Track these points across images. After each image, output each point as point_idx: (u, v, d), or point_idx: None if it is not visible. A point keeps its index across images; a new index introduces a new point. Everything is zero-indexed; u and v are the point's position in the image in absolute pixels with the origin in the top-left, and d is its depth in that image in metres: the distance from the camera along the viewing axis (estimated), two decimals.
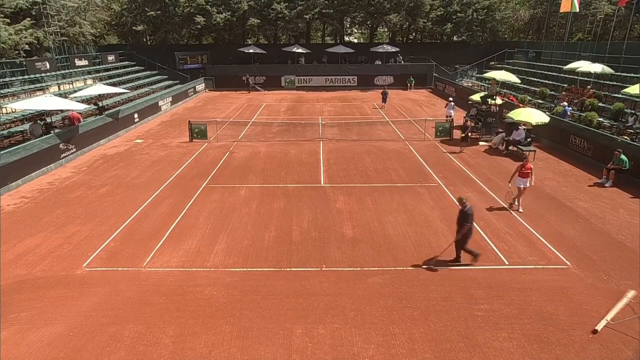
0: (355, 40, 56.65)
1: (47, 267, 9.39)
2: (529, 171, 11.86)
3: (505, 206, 12.39)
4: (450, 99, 25.20)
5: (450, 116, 22.46)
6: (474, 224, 9.45)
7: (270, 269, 9.27)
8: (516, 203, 12.25)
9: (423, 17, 39.21)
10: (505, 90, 27.29)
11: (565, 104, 21.19)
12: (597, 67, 21.13)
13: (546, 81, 27.17)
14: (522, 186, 11.98)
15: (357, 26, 46.91)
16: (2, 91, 21.63)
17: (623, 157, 13.89)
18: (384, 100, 28.78)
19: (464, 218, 8.92)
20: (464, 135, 18.27)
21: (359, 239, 10.51)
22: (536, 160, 16.81)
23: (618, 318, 6.94)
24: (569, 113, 20.09)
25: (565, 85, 24.60)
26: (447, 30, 40.26)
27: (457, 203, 9.26)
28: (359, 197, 13.19)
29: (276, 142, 20.18)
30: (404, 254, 9.80)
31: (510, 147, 17.83)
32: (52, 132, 17.39)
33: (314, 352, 6.85)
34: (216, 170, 15.95)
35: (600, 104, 20.37)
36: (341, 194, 13.53)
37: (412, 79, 36.85)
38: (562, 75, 25.73)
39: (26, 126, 19.51)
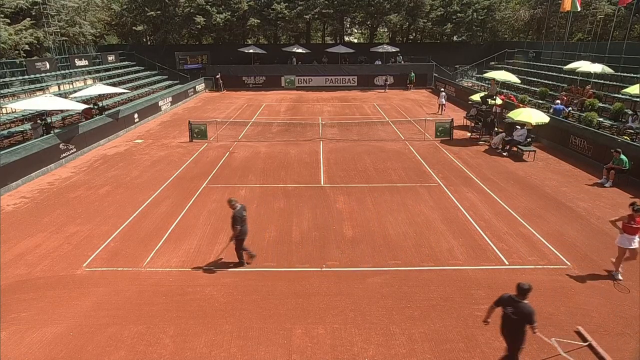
0: (355, 40, 56.65)
1: (47, 267, 9.39)
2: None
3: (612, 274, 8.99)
4: (442, 89, 29.42)
5: (443, 104, 26.64)
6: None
7: (270, 269, 9.28)
8: (618, 268, 8.77)
9: (423, 17, 39.21)
10: (505, 90, 27.29)
11: (559, 102, 21.40)
12: (597, 67, 21.13)
13: (546, 81, 27.16)
14: (627, 246, 8.43)
15: (357, 26, 46.91)
16: (2, 91, 21.62)
17: (623, 157, 13.89)
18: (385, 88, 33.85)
19: (234, 220, 8.84)
20: (474, 124, 19.68)
21: (359, 239, 10.51)
22: (536, 160, 16.83)
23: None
24: (562, 111, 20.25)
25: (565, 85, 24.59)
26: (447, 30, 40.26)
27: (228, 205, 9.05)
28: (359, 197, 13.19)
29: (276, 142, 20.18)
30: (404, 254, 9.80)
31: (510, 148, 17.82)
32: (52, 132, 17.39)
33: (314, 352, 6.85)
34: (216, 171, 15.95)
35: (600, 104, 20.37)
36: (341, 194, 13.53)
37: (413, 74, 36.57)
38: (562, 75, 25.73)
39: (26, 126, 19.53)
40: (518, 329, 5.91)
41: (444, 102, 26.87)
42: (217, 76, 36.30)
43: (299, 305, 8.02)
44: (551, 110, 20.77)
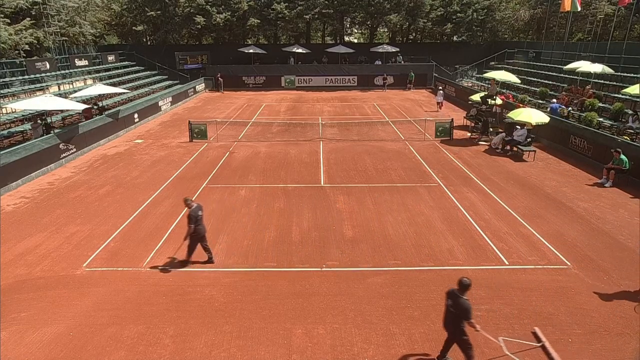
0: (355, 40, 56.65)
1: (47, 267, 9.39)
2: None
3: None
4: (440, 88, 30.15)
5: (440, 102, 27.84)
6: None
7: (270, 269, 9.27)
8: None
9: (423, 17, 39.20)
10: (504, 90, 27.29)
11: (555, 100, 21.64)
12: (597, 67, 21.13)
13: (546, 81, 27.15)
14: None
15: (357, 26, 46.91)
16: (2, 91, 21.62)
17: (623, 157, 13.89)
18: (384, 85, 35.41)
19: (189, 219, 8.91)
20: (474, 124, 19.91)
21: (359, 239, 10.51)
22: (536, 160, 16.83)
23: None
24: (558, 110, 20.44)
25: (565, 85, 24.59)
26: (447, 30, 40.26)
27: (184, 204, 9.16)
28: (359, 197, 13.19)
29: (276, 142, 20.18)
30: (404, 254, 9.80)
31: (509, 147, 17.83)
32: (52, 132, 17.39)
33: (314, 352, 6.85)
34: (216, 171, 15.95)
35: (600, 104, 20.37)
36: (341, 194, 13.53)
37: (412, 74, 36.57)
38: (562, 75, 25.72)
39: (26, 126, 19.53)
40: (455, 323, 6.12)
41: (441, 100, 27.94)
42: (218, 75, 36.30)
43: (299, 305, 8.02)
44: (548, 109, 20.96)
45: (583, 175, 15.20)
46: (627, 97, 18.78)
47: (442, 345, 6.55)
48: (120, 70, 34.42)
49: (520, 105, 21.35)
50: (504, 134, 18.53)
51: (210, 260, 9.48)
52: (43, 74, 25.66)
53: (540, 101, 24.03)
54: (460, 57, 40.41)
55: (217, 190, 13.97)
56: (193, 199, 13.06)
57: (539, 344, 6.90)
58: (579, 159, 16.73)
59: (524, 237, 10.56)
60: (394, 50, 38.32)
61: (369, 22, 41.53)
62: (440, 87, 30.73)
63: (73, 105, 18.69)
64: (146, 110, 25.22)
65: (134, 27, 38.09)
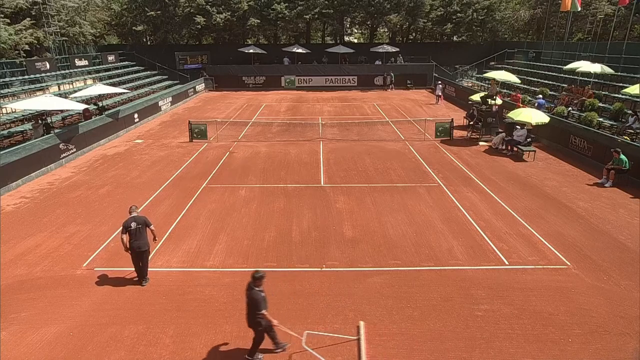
0: (355, 41, 56.66)
1: (47, 267, 9.39)
2: None
3: None
4: (439, 82, 31.67)
5: (439, 95, 30.09)
6: None
7: (270, 269, 9.27)
8: None
9: (423, 17, 39.19)
10: (505, 91, 27.30)
11: (540, 96, 22.78)
12: (596, 67, 21.14)
13: (546, 81, 27.14)
14: None
15: (357, 26, 46.92)
16: (2, 91, 21.61)
17: (623, 157, 13.89)
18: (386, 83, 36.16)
19: (121, 229, 8.25)
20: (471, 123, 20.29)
21: (358, 239, 10.51)
22: (536, 160, 16.83)
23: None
24: (544, 106, 21.41)
25: (565, 85, 24.58)
26: (447, 31, 40.24)
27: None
28: (359, 197, 13.19)
29: (276, 142, 20.17)
30: (404, 254, 9.80)
31: (510, 148, 17.83)
32: (52, 132, 17.38)
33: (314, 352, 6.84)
34: (216, 171, 15.95)
35: (600, 104, 20.37)
36: (341, 194, 13.53)
37: (392, 74, 36.81)
38: (562, 75, 25.70)
39: (26, 126, 19.52)
40: (250, 314, 6.41)
41: (440, 94, 30.22)
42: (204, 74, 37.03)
43: (299, 305, 8.03)
44: (535, 105, 21.62)
45: (583, 175, 15.20)
46: (627, 97, 18.78)
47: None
48: (120, 70, 34.41)
49: (520, 105, 21.36)
50: (504, 134, 18.53)
51: (138, 282, 8.66)
52: (43, 74, 25.66)
53: (550, 103, 24.00)
54: (460, 57, 40.39)
55: (217, 190, 13.97)
56: (193, 199, 13.11)
57: (354, 338, 6.90)
58: (579, 159, 16.73)
59: (524, 237, 10.55)
60: (394, 50, 38.31)
61: (369, 22, 41.52)
62: (440, 82, 31.93)
63: (73, 105, 18.69)
64: (146, 110, 25.22)
65: (134, 27, 38.06)
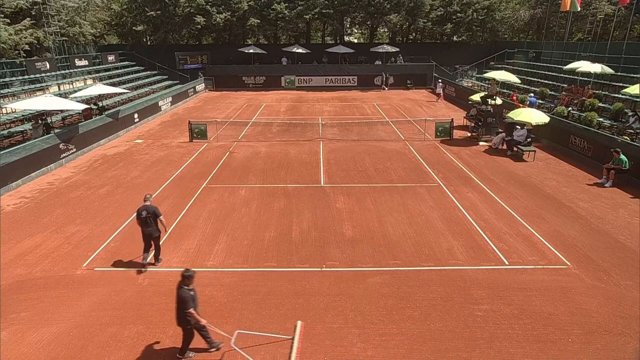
0: (355, 40, 56.62)
1: (47, 267, 9.39)
2: None
3: None
4: (440, 80, 32.87)
5: (439, 93, 31.15)
6: None
7: (270, 269, 9.27)
8: None
9: (423, 17, 39.17)
10: (506, 91, 27.31)
11: (532, 94, 23.59)
12: (596, 67, 21.15)
13: (546, 81, 27.14)
14: None
15: (357, 26, 46.89)
16: (2, 91, 21.60)
17: (622, 157, 13.89)
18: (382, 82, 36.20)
19: None
20: (474, 124, 20.50)
21: (358, 239, 10.51)
22: (536, 160, 16.83)
23: None
24: (536, 104, 22.05)
25: (565, 85, 24.59)
26: (447, 30, 40.22)
27: None
28: (359, 197, 13.19)
29: (276, 142, 20.17)
30: (404, 254, 9.80)
31: (510, 147, 17.84)
32: (52, 132, 17.38)
33: (314, 352, 6.85)
34: (216, 170, 15.95)
35: (600, 104, 20.38)
36: (341, 194, 13.53)
37: (383, 73, 36.94)
38: (562, 75, 25.70)
39: (26, 126, 19.51)
40: (179, 313, 6.45)
41: (441, 92, 31.23)
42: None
43: (298, 305, 8.03)
44: (527, 103, 22.13)
45: (583, 175, 15.21)
46: (627, 97, 18.78)
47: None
48: (120, 70, 34.40)
49: (520, 105, 21.37)
50: (504, 134, 18.53)
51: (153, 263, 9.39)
52: (43, 74, 25.65)
53: (540, 101, 24.02)
54: (460, 57, 40.38)
55: (217, 190, 13.97)
56: (193, 199, 13.11)
57: (288, 337, 6.88)
58: (579, 159, 16.73)
59: (524, 237, 10.56)
60: (394, 50, 38.31)
61: (369, 22, 41.51)
62: (440, 80, 33.04)
63: (73, 105, 18.68)
64: (146, 110, 25.22)
65: (134, 27, 38.05)
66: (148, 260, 9.26)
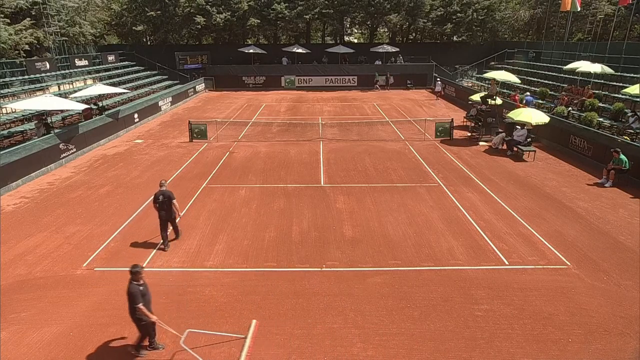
0: (355, 40, 56.60)
1: (47, 267, 9.39)
2: None
3: None
4: (438, 79, 33.61)
5: (439, 91, 31.94)
6: None
7: (270, 269, 9.27)
8: None
9: (423, 17, 39.17)
10: (506, 91, 27.30)
11: (528, 93, 23.82)
12: (596, 67, 21.15)
13: (546, 81, 27.14)
14: None
15: (357, 26, 46.87)
16: (2, 91, 21.60)
17: (622, 157, 13.89)
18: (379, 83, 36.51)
19: None
20: (474, 125, 20.60)
21: (359, 239, 10.51)
22: (536, 160, 16.83)
23: None
24: (532, 103, 22.36)
25: (565, 85, 24.59)
26: (447, 31, 40.21)
27: None
28: (359, 197, 13.19)
29: (276, 142, 20.18)
30: (404, 254, 9.80)
31: (510, 147, 17.84)
32: (52, 132, 17.38)
33: (314, 352, 6.85)
34: (216, 170, 15.95)
35: (600, 104, 20.37)
36: (341, 194, 13.53)
37: (377, 73, 37.16)
38: (562, 75, 25.71)
39: (26, 126, 19.51)
40: (130, 308, 6.51)
41: (440, 90, 32.14)
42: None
43: (298, 305, 8.02)
44: (524, 102, 22.35)
45: (583, 175, 15.20)
46: (627, 97, 18.78)
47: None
48: (120, 70, 34.39)
49: (520, 105, 21.36)
50: (504, 134, 18.53)
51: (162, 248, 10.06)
52: (43, 74, 25.64)
53: (540, 101, 24.03)
54: (460, 57, 40.38)
55: (217, 190, 13.97)
56: (193, 199, 13.12)
57: (242, 336, 6.88)
58: (579, 159, 16.73)
59: (524, 237, 10.56)
60: (394, 50, 38.33)
61: (369, 22, 41.48)
62: (439, 79, 33.83)
63: (73, 105, 18.68)
64: (146, 110, 25.22)
65: (134, 27, 38.04)
66: (167, 241, 10.07)
